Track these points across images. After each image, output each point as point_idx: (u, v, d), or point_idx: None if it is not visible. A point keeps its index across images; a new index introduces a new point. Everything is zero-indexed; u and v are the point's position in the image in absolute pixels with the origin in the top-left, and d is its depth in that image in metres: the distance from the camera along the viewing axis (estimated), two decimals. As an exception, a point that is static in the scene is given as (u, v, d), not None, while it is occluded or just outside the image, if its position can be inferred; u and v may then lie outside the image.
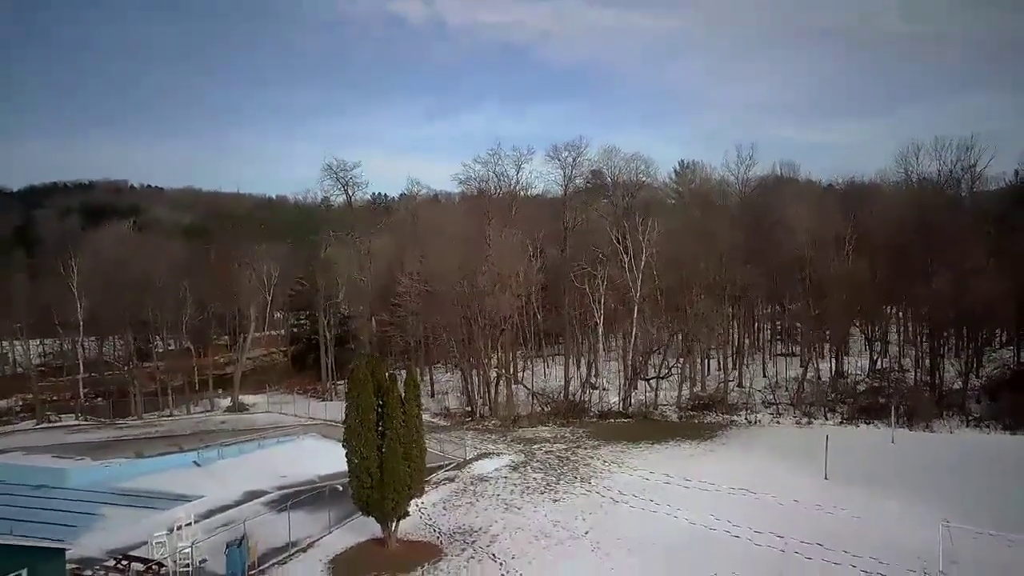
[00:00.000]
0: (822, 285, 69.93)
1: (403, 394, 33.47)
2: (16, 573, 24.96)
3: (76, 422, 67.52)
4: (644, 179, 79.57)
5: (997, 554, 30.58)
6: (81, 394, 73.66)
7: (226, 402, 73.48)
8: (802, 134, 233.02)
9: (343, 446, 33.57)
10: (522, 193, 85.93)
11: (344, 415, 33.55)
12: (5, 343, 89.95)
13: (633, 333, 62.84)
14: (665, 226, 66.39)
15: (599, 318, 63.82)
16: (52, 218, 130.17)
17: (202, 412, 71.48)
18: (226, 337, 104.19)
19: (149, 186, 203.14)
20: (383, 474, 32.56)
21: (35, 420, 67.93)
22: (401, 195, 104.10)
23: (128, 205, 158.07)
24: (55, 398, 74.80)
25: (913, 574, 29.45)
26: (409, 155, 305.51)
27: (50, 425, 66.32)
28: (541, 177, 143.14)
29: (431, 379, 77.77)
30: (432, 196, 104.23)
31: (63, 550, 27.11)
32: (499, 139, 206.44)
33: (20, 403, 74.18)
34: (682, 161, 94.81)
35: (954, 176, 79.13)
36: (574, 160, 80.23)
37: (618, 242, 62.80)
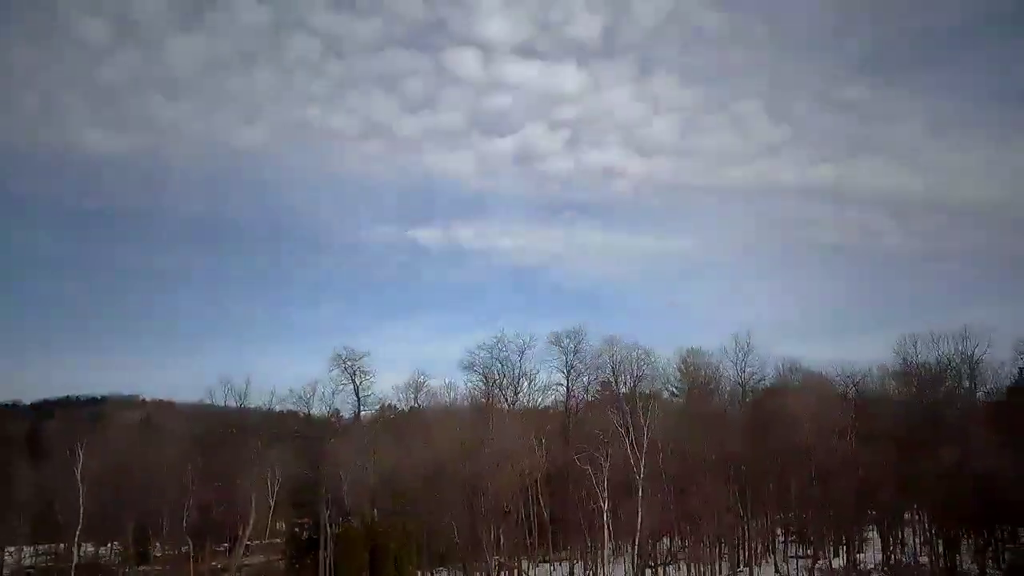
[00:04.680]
0: (827, 474, 68.93)
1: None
2: None
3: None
4: (645, 367, 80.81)
5: None
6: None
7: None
8: (804, 349, 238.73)
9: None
10: (526, 384, 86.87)
11: None
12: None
13: (639, 515, 61.28)
14: (667, 412, 66.93)
15: (603, 502, 62.47)
16: (61, 429, 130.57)
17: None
18: (225, 545, 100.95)
19: (160, 400, 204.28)
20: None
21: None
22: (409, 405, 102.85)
23: (139, 417, 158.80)
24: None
25: None
26: (419, 367, 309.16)
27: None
28: (544, 364, 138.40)
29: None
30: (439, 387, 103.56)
31: None
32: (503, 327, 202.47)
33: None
34: (685, 350, 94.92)
35: (953, 366, 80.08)
36: (575, 347, 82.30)
37: (620, 426, 63.08)
